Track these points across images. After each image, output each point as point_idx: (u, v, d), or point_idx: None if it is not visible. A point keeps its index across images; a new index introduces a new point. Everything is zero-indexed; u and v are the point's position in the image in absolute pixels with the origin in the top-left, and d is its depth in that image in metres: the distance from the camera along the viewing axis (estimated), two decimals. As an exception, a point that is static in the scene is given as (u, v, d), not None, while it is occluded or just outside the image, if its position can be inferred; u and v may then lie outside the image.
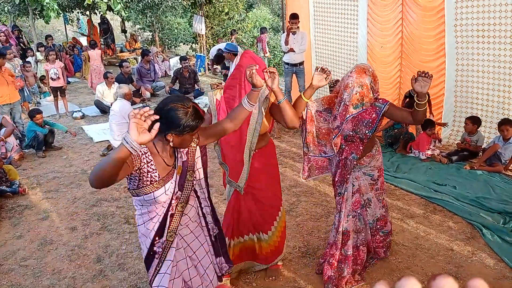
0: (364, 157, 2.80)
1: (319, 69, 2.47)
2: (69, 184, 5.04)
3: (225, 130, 2.18)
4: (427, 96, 2.49)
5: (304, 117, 2.75)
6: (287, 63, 6.93)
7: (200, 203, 2.25)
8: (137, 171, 1.87)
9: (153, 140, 1.84)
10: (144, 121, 1.57)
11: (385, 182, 3.12)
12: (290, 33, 6.56)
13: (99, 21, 15.73)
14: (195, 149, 2.10)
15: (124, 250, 3.57)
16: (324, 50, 7.14)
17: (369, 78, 2.59)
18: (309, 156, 2.94)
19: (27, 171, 5.53)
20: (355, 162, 2.77)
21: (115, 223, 4.02)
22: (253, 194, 2.82)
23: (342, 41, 6.69)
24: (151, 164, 1.91)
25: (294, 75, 6.98)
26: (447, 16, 5.03)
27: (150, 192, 1.92)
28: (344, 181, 2.84)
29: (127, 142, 1.56)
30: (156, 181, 1.92)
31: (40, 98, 9.32)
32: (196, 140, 2.08)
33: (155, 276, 2.08)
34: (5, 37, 10.56)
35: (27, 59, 9.70)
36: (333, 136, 2.72)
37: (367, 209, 2.93)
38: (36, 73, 9.61)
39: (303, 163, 3.03)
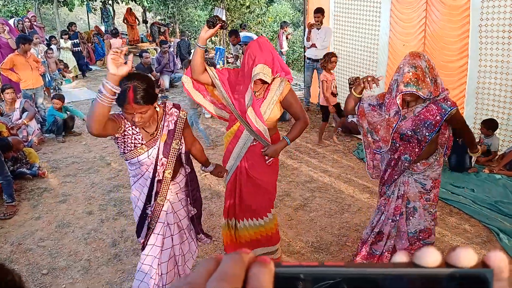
0: (418, 163, 2.58)
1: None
2: (88, 170, 5.13)
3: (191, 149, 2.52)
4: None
5: (356, 112, 2.66)
6: (309, 58, 6.93)
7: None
8: (122, 134, 2.10)
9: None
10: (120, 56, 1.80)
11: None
12: (315, 28, 6.54)
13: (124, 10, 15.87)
14: (184, 120, 2.30)
15: (139, 236, 3.63)
16: (343, 47, 7.08)
17: (424, 63, 2.33)
18: (373, 151, 2.75)
19: (47, 155, 5.65)
20: (406, 164, 2.57)
21: (131, 209, 4.07)
22: (253, 180, 2.81)
23: (362, 38, 6.62)
24: (135, 127, 2.14)
25: (315, 70, 6.97)
26: (472, 16, 4.93)
27: (135, 157, 2.15)
28: (392, 182, 2.69)
29: (106, 82, 1.80)
30: (140, 144, 2.14)
31: (62, 84, 9.48)
32: (183, 114, 2.30)
33: (150, 236, 2.33)
34: (29, 23, 10.75)
35: (50, 46, 9.87)
36: (394, 124, 2.48)
37: (411, 218, 2.69)
38: (59, 60, 9.78)
39: (367, 158, 2.87)
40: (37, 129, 6.06)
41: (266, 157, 2.75)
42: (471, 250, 0.30)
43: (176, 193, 2.40)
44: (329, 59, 5.50)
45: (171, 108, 2.27)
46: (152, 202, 2.26)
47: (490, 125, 4.83)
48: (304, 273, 0.30)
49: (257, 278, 0.29)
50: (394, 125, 2.47)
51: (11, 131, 5.41)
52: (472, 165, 4.83)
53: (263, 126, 2.64)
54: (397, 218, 2.72)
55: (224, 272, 0.29)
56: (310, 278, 0.30)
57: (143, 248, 2.38)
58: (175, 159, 2.26)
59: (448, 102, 2.38)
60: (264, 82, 2.55)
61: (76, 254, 3.41)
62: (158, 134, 2.20)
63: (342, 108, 5.29)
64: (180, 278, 0.30)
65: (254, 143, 2.73)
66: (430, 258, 0.30)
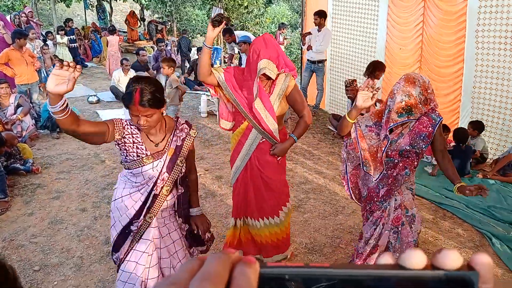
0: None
1: (363, 87, 2.39)
2: (82, 167, 5.10)
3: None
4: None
5: (355, 137, 2.58)
6: (308, 59, 6.99)
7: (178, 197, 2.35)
8: (121, 140, 2.02)
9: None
10: (73, 71, 1.63)
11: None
12: (316, 30, 6.58)
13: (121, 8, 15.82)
14: (192, 140, 2.22)
15: (132, 234, 3.61)
16: (340, 50, 7.10)
17: (418, 89, 2.34)
18: (372, 177, 2.66)
19: (41, 151, 5.61)
20: (406, 178, 2.56)
21: (125, 207, 4.07)
22: (262, 178, 2.81)
23: (359, 41, 6.64)
24: (137, 136, 2.06)
25: (314, 72, 7.02)
26: (469, 21, 4.96)
27: (139, 167, 2.07)
28: (389, 197, 2.67)
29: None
30: (145, 155, 2.06)
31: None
32: (194, 133, 2.23)
33: (129, 252, 2.19)
34: (26, 18, 10.69)
35: (46, 42, 9.82)
36: (383, 148, 2.49)
37: (412, 225, 2.67)
38: (55, 55, 9.73)
39: (346, 184, 2.91)
40: (32, 125, 6.03)
41: (275, 156, 2.76)
42: (456, 252, 0.30)
43: (161, 211, 2.26)
44: (382, 68, 5.23)
45: (182, 124, 2.21)
46: (140, 218, 2.16)
47: (476, 126, 4.95)
48: (290, 274, 0.30)
49: (241, 278, 0.29)
50: (383, 148, 2.50)
51: (5, 126, 5.37)
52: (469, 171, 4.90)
53: (273, 121, 2.63)
54: (399, 228, 2.69)
55: (207, 272, 0.29)
56: (296, 279, 0.30)
57: (119, 266, 2.24)
58: (176, 176, 2.19)
59: (436, 112, 2.44)
60: (269, 78, 2.56)
61: (69, 251, 3.38)
62: (166, 147, 2.13)
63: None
64: (163, 278, 0.30)
65: (262, 140, 2.73)
66: (416, 260, 0.30)
